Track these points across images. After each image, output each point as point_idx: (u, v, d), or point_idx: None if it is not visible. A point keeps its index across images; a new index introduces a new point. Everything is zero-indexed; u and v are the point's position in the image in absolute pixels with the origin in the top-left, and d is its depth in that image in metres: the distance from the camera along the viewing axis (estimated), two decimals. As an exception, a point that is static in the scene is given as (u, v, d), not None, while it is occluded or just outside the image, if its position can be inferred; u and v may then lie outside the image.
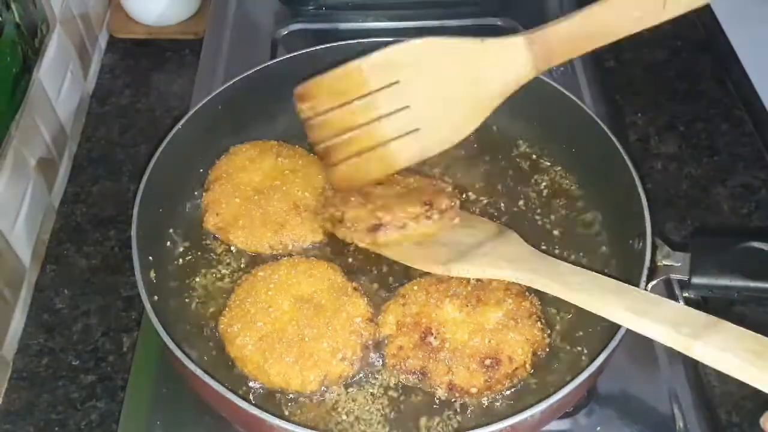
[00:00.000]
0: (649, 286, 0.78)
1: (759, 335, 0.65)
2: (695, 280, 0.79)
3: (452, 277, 0.86)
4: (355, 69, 0.84)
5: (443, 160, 1.03)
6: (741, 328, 0.66)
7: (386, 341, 0.83)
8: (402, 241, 0.86)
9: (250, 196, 0.94)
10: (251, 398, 0.80)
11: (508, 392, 0.80)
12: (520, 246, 0.85)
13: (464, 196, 0.99)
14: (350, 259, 0.92)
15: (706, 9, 1.38)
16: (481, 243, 0.85)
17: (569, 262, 0.91)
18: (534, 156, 1.04)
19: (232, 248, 0.93)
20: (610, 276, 0.78)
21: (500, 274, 0.81)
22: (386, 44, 1.04)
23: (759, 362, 0.63)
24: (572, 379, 0.72)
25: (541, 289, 0.78)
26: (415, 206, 0.88)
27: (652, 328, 0.69)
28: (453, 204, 0.90)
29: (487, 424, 0.71)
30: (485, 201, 0.99)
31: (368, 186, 0.91)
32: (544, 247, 0.93)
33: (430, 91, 0.85)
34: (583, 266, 0.91)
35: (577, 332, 0.86)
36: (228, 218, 0.92)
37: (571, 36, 0.79)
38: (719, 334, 0.66)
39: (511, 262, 0.81)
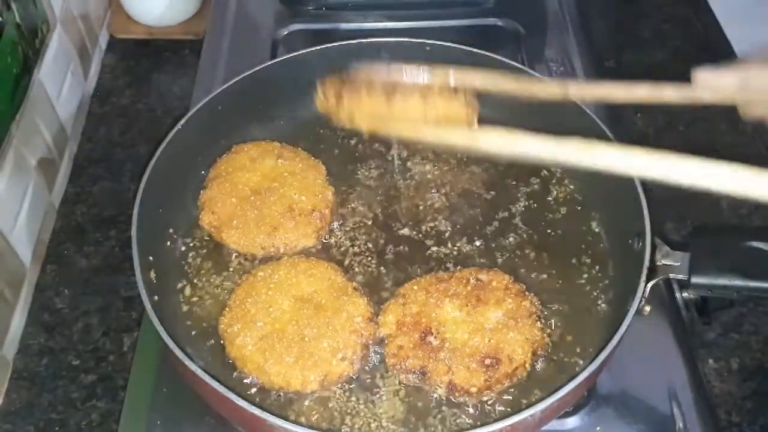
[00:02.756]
0: (649, 285, 0.78)
1: None
2: (694, 279, 0.79)
3: (452, 277, 0.86)
4: None
5: (444, 159, 1.03)
6: None
7: (386, 341, 0.83)
8: (419, 118, 0.82)
9: (247, 197, 0.94)
10: (251, 398, 0.80)
11: (508, 392, 0.80)
12: None
13: (465, 194, 0.99)
14: (346, 261, 0.92)
15: (707, 9, 1.39)
16: None
17: (569, 263, 0.92)
18: (534, 156, 1.04)
19: (232, 248, 0.93)
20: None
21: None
22: (387, 44, 1.05)
23: None
24: (572, 378, 0.72)
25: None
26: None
27: None
28: (475, 107, 0.85)
29: (487, 423, 0.71)
30: (485, 198, 0.99)
31: None
32: (541, 244, 0.94)
33: None
34: (583, 266, 0.92)
35: (577, 331, 0.86)
36: (223, 217, 0.93)
37: None
38: None
39: None
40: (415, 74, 0.85)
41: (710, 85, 0.77)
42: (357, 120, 0.84)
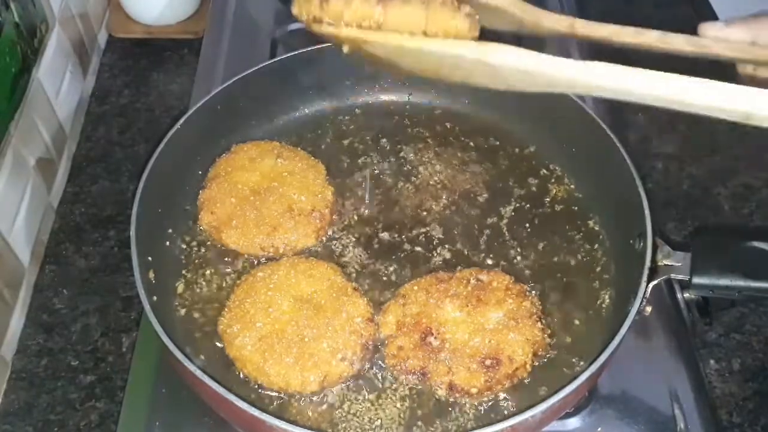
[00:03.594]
0: (650, 286, 0.78)
1: None
2: (696, 280, 0.79)
3: (452, 277, 0.86)
4: None
5: (445, 160, 1.03)
6: None
7: (386, 341, 0.83)
8: (416, 29, 0.70)
9: (246, 196, 0.94)
10: (251, 399, 0.80)
11: (509, 392, 0.80)
12: None
13: (465, 194, 0.99)
14: (346, 262, 0.92)
15: (708, 9, 1.38)
16: None
17: (569, 263, 0.92)
18: (534, 156, 1.03)
19: (231, 248, 0.93)
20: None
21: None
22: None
23: None
24: (573, 379, 0.72)
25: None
26: None
27: None
28: (476, 18, 0.73)
29: (488, 424, 0.71)
30: (486, 199, 0.99)
31: None
32: (542, 245, 0.94)
33: None
34: (584, 267, 0.92)
35: (578, 332, 0.86)
36: (222, 217, 0.92)
37: None
38: None
39: None
40: None
41: (719, 37, 0.75)
42: (343, 27, 0.72)
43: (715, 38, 0.75)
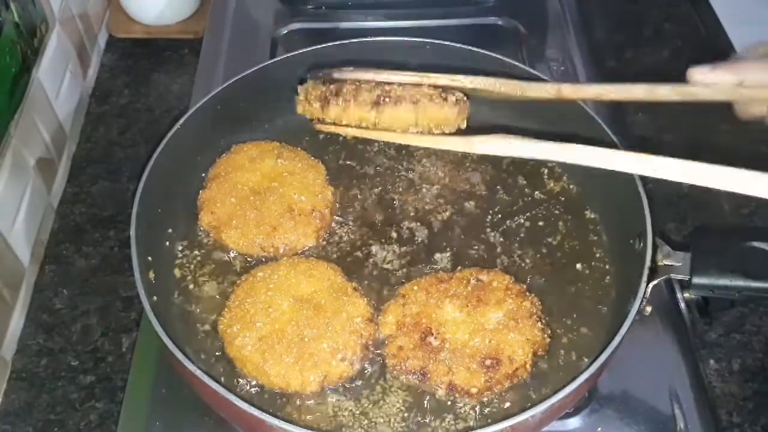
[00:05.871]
0: (650, 286, 0.78)
1: None
2: (696, 280, 0.79)
3: (452, 277, 0.86)
4: None
5: (446, 159, 1.03)
6: None
7: (386, 341, 0.83)
8: (409, 124, 0.79)
9: (246, 196, 0.94)
10: (251, 399, 0.80)
11: (509, 392, 0.80)
12: None
13: (465, 194, 0.99)
14: (346, 262, 0.92)
15: (708, 8, 1.38)
16: None
17: (569, 263, 0.92)
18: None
19: (231, 248, 0.93)
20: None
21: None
22: (387, 43, 1.05)
23: None
24: (573, 379, 0.72)
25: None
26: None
27: None
28: (465, 101, 0.82)
29: (488, 424, 0.71)
30: (486, 198, 0.99)
31: None
32: (541, 244, 0.94)
33: None
34: (583, 267, 0.92)
35: (578, 332, 0.86)
36: (222, 217, 0.92)
37: None
38: None
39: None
40: (404, 78, 0.82)
41: (706, 82, 0.76)
42: (343, 126, 0.82)
43: (702, 83, 0.76)
